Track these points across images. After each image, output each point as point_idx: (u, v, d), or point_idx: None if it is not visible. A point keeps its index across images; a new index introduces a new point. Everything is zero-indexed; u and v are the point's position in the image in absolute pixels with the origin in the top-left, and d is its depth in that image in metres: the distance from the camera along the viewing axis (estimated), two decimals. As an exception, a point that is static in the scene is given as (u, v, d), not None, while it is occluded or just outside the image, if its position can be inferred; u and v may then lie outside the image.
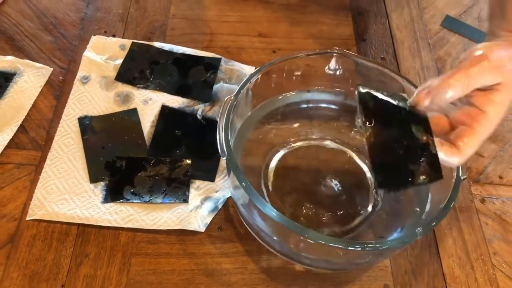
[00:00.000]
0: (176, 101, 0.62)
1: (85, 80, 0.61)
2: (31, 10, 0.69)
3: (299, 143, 0.58)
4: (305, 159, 0.57)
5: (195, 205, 0.53)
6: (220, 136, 0.46)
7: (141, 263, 0.50)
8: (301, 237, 0.44)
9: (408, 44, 0.75)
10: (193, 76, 0.64)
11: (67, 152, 0.56)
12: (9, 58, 0.63)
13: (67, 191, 0.53)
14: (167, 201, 0.53)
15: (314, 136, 0.58)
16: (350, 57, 0.56)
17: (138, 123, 0.59)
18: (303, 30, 0.74)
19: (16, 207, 0.52)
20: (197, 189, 0.55)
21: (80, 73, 0.62)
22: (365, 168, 0.57)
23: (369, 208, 0.54)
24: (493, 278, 0.53)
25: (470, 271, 0.53)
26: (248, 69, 0.66)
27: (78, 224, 0.52)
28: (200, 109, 0.61)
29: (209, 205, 0.53)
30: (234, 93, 0.50)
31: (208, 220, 0.53)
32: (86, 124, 0.58)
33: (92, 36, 0.66)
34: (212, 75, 0.64)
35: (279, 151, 0.57)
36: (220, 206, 0.54)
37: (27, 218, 0.51)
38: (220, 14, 0.74)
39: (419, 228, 0.43)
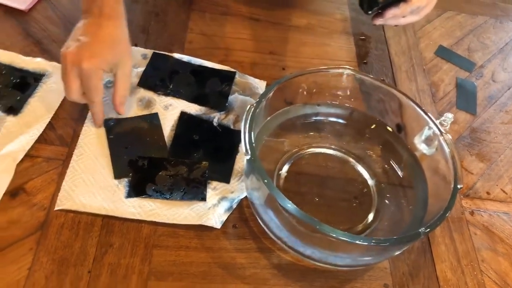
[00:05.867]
0: (193, 108, 0.66)
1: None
2: (58, 17, 0.73)
3: (308, 152, 0.63)
4: (313, 166, 0.62)
5: (213, 204, 0.57)
6: (245, 138, 0.51)
7: (162, 255, 0.53)
8: (314, 233, 0.48)
9: (405, 68, 0.82)
10: (210, 87, 0.69)
11: (92, 150, 0.60)
12: (39, 60, 0.66)
13: (93, 185, 0.57)
14: (186, 199, 0.57)
15: (322, 146, 0.63)
16: (359, 75, 0.62)
17: (159, 127, 0.63)
18: (309, 50, 0.80)
19: (45, 197, 0.55)
20: (214, 190, 0.59)
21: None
22: (367, 176, 0.62)
23: (371, 216, 0.59)
24: (481, 283, 0.58)
25: (461, 275, 0.59)
26: (260, 83, 0.71)
27: (103, 216, 0.55)
28: (216, 117, 0.66)
29: (225, 204, 0.58)
30: (256, 102, 0.55)
31: (224, 218, 0.57)
32: (111, 125, 0.62)
33: None
34: (227, 87, 0.69)
35: (290, 158, 0.62)
36: (234, 206, 0.58)
37: (55, 208, 0.54)
38: (235, 31, 0.79)
39: (422, 228, 0.48)
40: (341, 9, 0.89)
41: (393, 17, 0.64)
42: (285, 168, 0.61)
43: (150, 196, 0.57)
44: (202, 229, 0.56)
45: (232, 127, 0.65)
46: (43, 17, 0.73)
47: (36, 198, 0.55)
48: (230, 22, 0.81)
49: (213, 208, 0.57)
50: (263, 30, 0.81)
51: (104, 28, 0.56)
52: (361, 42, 0.84)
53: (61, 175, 0.57)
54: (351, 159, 0.63)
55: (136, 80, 0.67)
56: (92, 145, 0.60)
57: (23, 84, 0.64)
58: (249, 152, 0.50)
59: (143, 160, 0.59)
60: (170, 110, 0.65)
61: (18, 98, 0.62)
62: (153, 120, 0.64)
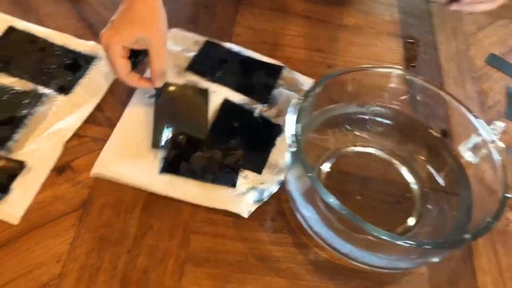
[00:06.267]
0: (237, 97, 0.67)
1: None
2: (111, 2, 0.75)
3: (351, 150, 0.62)
4: (356, 165, 0.61)
5: (241, 191, 0.57)
6: (291, 130, 0.51)
7: (199, 241, 0.54)
8: (354, 231, 0.47)
9: (454, 75, 0.79)
10: (256, 78, 0.69)
11: (135, 120, 0.61)
12: (91, 43, 0.68)
13: (130, 156, 0.58)
14: (217, 183, 0.57)
15: (366, 145, 0.63)
16: (409, 76, 0.61)
17: (205, 104, 0.64)
18: (356, 50, 0.79)
19: (89, 176, 0.56)
20: (245, 178, 0.59)
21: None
22: (410, 179, 0.61)
23: (412, 220, 0.58)
24: (524, 298, 0.56)
25: (503, 288, 0.57)
26: (307, 80, 0.70)
27: (144, 198, 0.56)
28: (258, 108, 0.66)
29: (254, 194, 0.57)
30: (303, 96, 0.54)
31: (252, 208, 0.56)
32: (160, 90, 0.63)
33: (173, 28, 0.72)
34: (273, 80, 0.69)
35: (332, 155, 0.61)
36: (265, 199, 0.58)
37: (91, 174, 0.55)
38: (283, 27, 0.79)
39: (467, 234, 0.46)
40: (390, 11, 0.88)
41: (470, 2, 0.63)
42: (327, 165, 0.60)
43: (182, 174, 0.57)
44: (239, 219, 0.56)
45: (272, 120, 0.65)
46: (97, 1, 0.75)
47: (81, 176, 0.56)
48: (279, 18, 0.81)
49: (241, 196, 0.57)
50: (311, 27, 0.81)
51: (131, 7, 0.57)
52: (410, 45, 0.82)
53: (106, 156, 0.58)
54: (394, 161, 0.62)
55: (185, 64, 0.69)
56: (136, 116, 0.61)
57: (75, 66, 0.65)
58: (294, 145, 0.50)
59: (182, 137, 0.60)
60: (215, 95, 0.66)
61: (69, 78, 0.64)
62: (202, 94, 0.65)
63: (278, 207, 0.58)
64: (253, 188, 0.58)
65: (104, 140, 0.59)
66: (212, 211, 0.56)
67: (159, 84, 0.61)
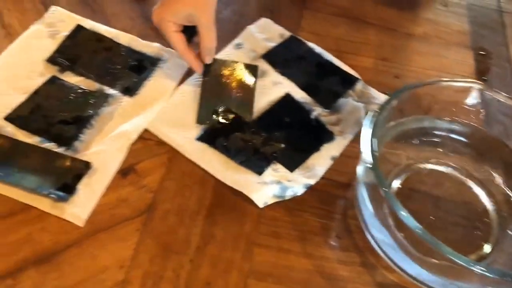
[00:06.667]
0: (300, 95, 0.65)
1: (238, 46, 0.69)
2: (175, 5, 0.74)
3: (423, 167, 0.59)
4: (428, 183, 0.58)
5: (265, 181, 0.56)
6: (367, 144, 0.48)
7: (263, 254, 0.52)
8: (426, 255, 0.44)
9: (529, 90, 0.75)
10: (327, 82, 0.67)
11: (185, 97, 0.63)
12: (156, 44, 0.67)
13: (177, 121, 0.60)
14: (245, 166, 0.57)
15: (439, 163, 0.59)
16: (490, 92, 0.57)
17: (253, 81, 0.65)
18: (424, 61, 0.76)
19: (153, 180, 0.55)
20: (275, 171, 0.57)
21: (236, 40, 0.70)
22: (487, 202, 0.57)
23: (488, 247, 0.54)
24: None
25: None
26: (381, 96, 0.67)
27: (207, 206, 0.54)
28: (318, 111, 0.64)
29: (277, 188, 0.55)
30: (378, 108, 0.52)
31: (270, 201, 0.54)
32: (208, 66, 0.63)
33: (262, 18, 0.74)
34: (344, 90, 0.67)
35: (403, 171, 0.58)
36: (286, 197, 0.55)
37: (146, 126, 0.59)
38: (347, 34, 0.77)
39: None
40: (460, 21, 0.84)
41: None
42: (397, 181, 0.57)
43: (216, 148, 0.58)
44: (304, 234, 0.54)
45: (328, 126, 0.63)
46: (162, 3, 0.74)
47: (145, 180, 0.55)
48: (343, 24, 0.78)
49: (263, 185, 0.55)
50: (376, 35, 0.78)
51: None
52: (481, 57, 0.78)
53: (171, 160, 0.57)
54: (469, 181, 0.58)
55: (262, 51, 0.69)
56: (187, 94, 0.63)
57: (140, 67, 0.65)
58: (371, 160, 0.47)
59: (228, 114, 0.61)
60: (278, 87, 0.66)
61: (135, 80, 0.63)
62: (251, 70, 0.66)
63: (344, 224, 0.56)
64: (278, 182, 0.56)
65: (167, 143, 0.59)
66: (275, 223, 0.54)
67: (208, 60, 0.62)
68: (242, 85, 0.65)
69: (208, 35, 0.59)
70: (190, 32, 0.61)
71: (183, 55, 0.61)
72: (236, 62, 0.66)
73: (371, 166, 0.47)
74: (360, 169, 0.51)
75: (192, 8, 0.57)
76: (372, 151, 0.48)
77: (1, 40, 0.66)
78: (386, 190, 0.46)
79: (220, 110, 0.61)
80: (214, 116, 0.60)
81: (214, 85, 0.64)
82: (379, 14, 0.81)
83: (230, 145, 0.58)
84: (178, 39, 0.60)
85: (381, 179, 0.46)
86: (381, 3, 0.83)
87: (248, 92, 0.64)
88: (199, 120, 0.60)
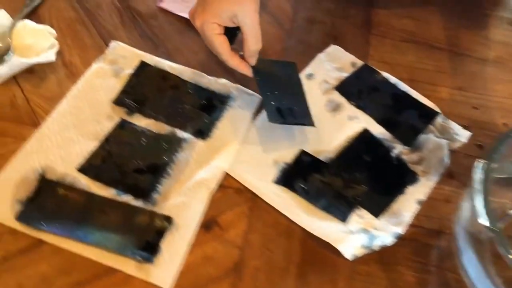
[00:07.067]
0: (378, 130, 0.62)
1: (310, 77, 0.66)
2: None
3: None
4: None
5: (350, 230, 0.53)
6: (482, 204, 0.44)
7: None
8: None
9: None
10: (405, 116, 0.64)
11: (258, 136, 0.60)
12: (223, 81, 0.64)
13: (253, 161, 0.58)
14: (328, 212, 0.54)
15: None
16: None
17: (298, 78, 0.63)
18: (503, 88, 0.71)
19: (237, 234, 0.52)
20: (359, 216, 0.54)
21: (307, 70, 0.67)
22: None
23: None
24: None
25: None
26: (463, 132, 0.63)
27: (297, 264, 0.51)
28: (398, 148, 0.61)
29: (363, 238, 0.52)
30: (488, 158, 0.47)
31: (359, 253, 0.51)
32: (255, 66, 0.60)
33: (331, 45, 0.70)
34: (424, 124, 0.63)
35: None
36: (374, 248, 0.52)
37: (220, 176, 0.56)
38: (418, 61, 0.72)
39: None
40: (532, 41, 0.79)
41: None
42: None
43: (295, 192, 0.55)
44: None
45: (410, 166, 0.59)
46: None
47: (229, 233, 0.52)
48: (412, 50, 0.74)
49: (350, 234, 0.52)
50: (448, 61, 0.73)
51: None
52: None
53: (252, 209, 0.54)
54: None
55: (335, 83, 0.66)
56: (261, 131, 0.61)
57: (210, 106, 0.62)
58: (491, 223, 0.43)
59: (306, 157, 0.58)
60: (354, 122, 0.63)
61: (206, 121, 0.60)
62: (291, 68, 0.63)
63: (442, 278, 0.52)
64: (364, 230, 0.53)
65: (247, 190, 0.55)
66: (370, 280, 0.50)
67: (253, 62, 0.59)
68: (288, 81, 0.62)
69: (253, 36, 0.56)
70: (230, 34, 0.58)
71: (228, 59, 0.58)
72: (274, 60, 0.64)
73: (494, 230, 0.43)
74: (460, 218, 0.47)
75: (237, 8, 0.54)
76: (489, 212, 0.44)
77: (64, 79, 0.63)
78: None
79: (283, 108, 0.58)
80: (278, 113, 0.58)
81: (267, 83, 0.60)
82: (448, 38, 0.77)
83: (309, 188, 0.56)
84: (222, 42, 0.56)
85: (506, 244, 0.42)
86: (447, 24, 0.78)
87: (297, 88, 0.62)
88: (271, 119, 0.57)
